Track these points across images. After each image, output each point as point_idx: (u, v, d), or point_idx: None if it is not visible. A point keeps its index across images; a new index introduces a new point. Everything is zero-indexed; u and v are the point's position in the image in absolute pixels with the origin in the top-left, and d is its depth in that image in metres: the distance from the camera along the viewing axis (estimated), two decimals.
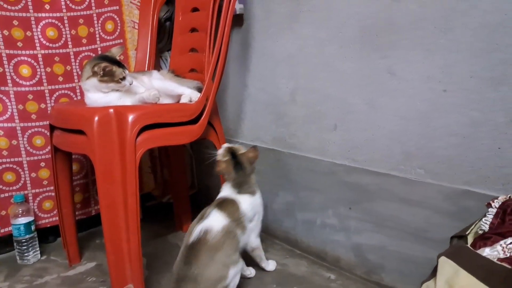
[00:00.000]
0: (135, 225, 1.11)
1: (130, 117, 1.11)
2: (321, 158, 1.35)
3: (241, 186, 1.20)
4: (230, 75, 1.69)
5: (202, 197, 1.94)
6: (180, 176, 1.73)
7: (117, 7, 1.68)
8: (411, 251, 1.12)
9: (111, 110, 1.10)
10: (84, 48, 1.62)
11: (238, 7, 1.49)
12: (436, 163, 1.04)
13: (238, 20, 1.55)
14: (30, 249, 1.49)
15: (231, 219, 1.12)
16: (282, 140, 1.50)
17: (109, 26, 1.67)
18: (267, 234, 1.59)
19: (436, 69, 1.01)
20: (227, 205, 1.15)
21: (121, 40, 1.70)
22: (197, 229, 1.08)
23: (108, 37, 1.67)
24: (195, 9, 1.49)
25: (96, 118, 1.09)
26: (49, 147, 1.52)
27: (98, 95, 1.19)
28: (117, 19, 1.68)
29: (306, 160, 1.40)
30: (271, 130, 1.55)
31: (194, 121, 1.24)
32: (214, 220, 1.10)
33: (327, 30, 1.26)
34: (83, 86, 1.20)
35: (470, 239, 0.75)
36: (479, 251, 0.67)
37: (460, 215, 0.99)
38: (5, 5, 1.43)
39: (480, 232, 0.75)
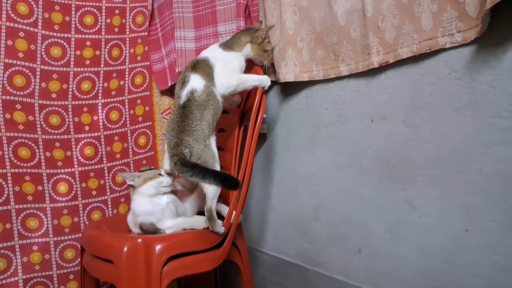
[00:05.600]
0: None
1: (157, 248, 1.15)
2: (347, 280, 1.33)
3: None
4: (254, 185, 1.74)
5: None
6: None
7: (150, 123, 1.81)
8: None
9: (140, 240, 1.16)
10: (117, 163, 1.73)
11: (262, 127, 1.58)
12: None
13: (261, 136, 1.63)
14: None
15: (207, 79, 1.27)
16: (306, 256, 1.50)
17: (142, 140, 1.79)
18: None
19: (456, 208, 1.02)
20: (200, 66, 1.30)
21: (153, 152, 1.81)
22: (184, 92, 1.25)
23: (140, 151, 1.79)
24: (221, 130, 1.59)
25: (125, 249, 1.14)
26: (78, 260, 1.57)
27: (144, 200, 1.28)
28: (150, 133, 1.81)
29: (332, 280, 1.38)
30: (295, 244, 1.55)
31: (218, 245, 1.28)
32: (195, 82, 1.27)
33: (345, 156, 1.32)
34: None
35: None
36: None
37: None
38: (49, 130, 1.58)
39: None
